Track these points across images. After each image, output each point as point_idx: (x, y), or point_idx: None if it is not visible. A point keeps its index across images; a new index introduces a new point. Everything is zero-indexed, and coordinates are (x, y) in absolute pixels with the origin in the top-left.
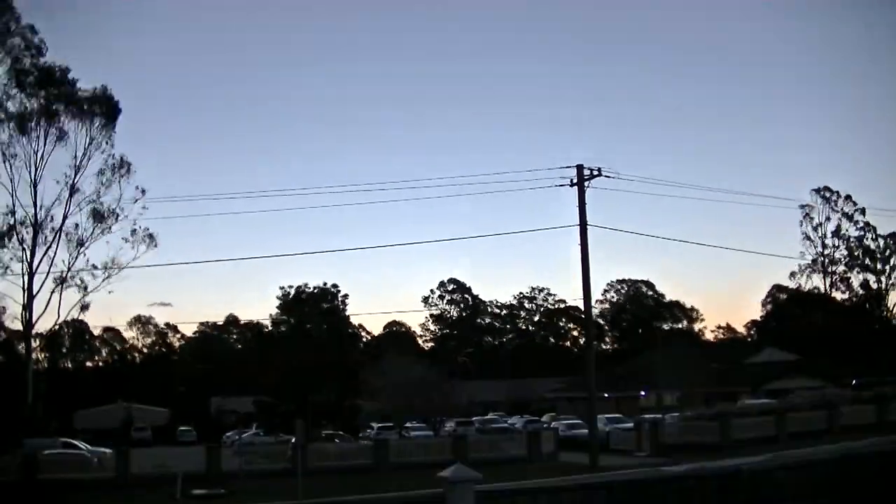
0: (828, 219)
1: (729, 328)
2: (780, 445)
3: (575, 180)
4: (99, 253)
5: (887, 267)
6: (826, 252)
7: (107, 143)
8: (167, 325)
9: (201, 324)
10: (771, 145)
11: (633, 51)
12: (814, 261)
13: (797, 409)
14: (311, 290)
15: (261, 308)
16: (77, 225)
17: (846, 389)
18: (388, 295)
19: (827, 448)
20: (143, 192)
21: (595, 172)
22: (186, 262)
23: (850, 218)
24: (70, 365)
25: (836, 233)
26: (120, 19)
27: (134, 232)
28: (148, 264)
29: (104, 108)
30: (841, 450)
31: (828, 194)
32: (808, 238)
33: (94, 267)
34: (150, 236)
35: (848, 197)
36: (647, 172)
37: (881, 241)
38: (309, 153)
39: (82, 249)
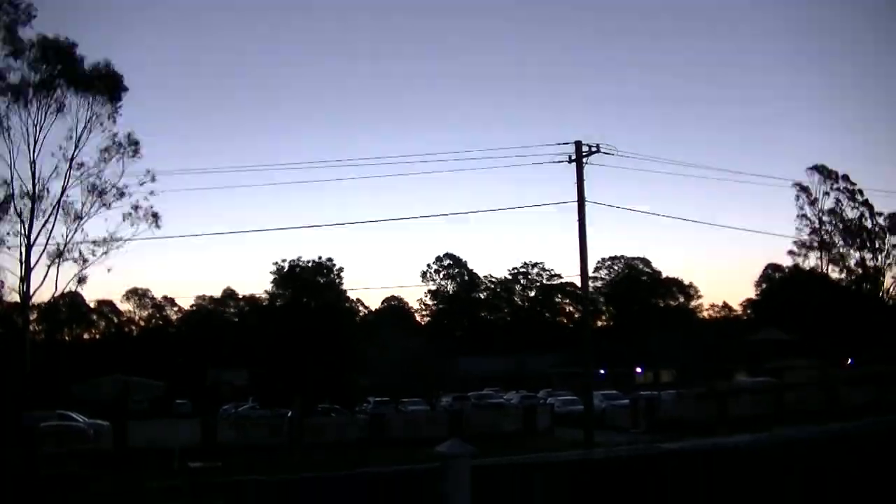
0: (826, 194)
1: (726, 306)
2: (777, 423)
3: (573, 156)
4: (98, 228)
5: (886, 246)
6: (823, 230)
7: (110, 119)
8: (164, 297)
9: (198, 297)
10: (773, 123)
11: (631, 30)
12: (810, 238)
13: (794, 387)
14: (307, 263)
15: (258, 282)
16: (75, 200)
17: (843, 368)
18: (387, 270)
19: (825, 427)
20: (154, 178)
21: (593, 149)
22: (184, 236)
23: (850, 196)
24: (67, 337)
25: (833, 211)
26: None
27: (136, 208)
28: (145, 237)
29: (108, 85)
30: (840, 429)
31: (825, 172)
32: (805, 216)
33: (94, 242)
34: (155, 215)
35: (845, 177)
36: (646, 151)
37: (880, 220)
38: (306, 128)
39: (81, 223)
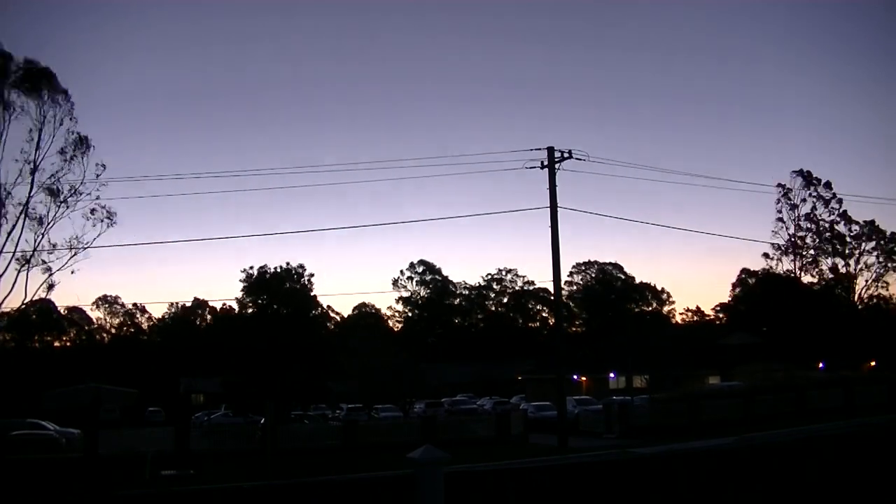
0: (804, 200)
1: (699, 311)
2: (748, 428)
3: (546, 162)
4: (65, 232)
5: (857, 252)
6: (799, 235)
7: (72, 120)
8: (135, 305)
9: (170, 304)
10: (747, 130)
11: (607, 37)
12: (786, 243)
13: (765, 391)
14: (275, 269)
15: (230, 288)
16: (39, 204)
17: (814, 373)
18: (359, 276)
19: (792, 431)
20: (104, 166)
21: (566, 154)
22: (153, 243)
23: (826, 203)
24: (37, 345)
25: (810, 216)
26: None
27: (94, 211)
28: (115, 244)
29: (48, 83)
30: (805, 433)
31: (808, 177)
32: (782, 220)
33: (58, 246)
34: (110, 214)
35: (828, 184)
36: (619, 157)
37: (854, 227)
38: (277, 134)
39: (46, 228)
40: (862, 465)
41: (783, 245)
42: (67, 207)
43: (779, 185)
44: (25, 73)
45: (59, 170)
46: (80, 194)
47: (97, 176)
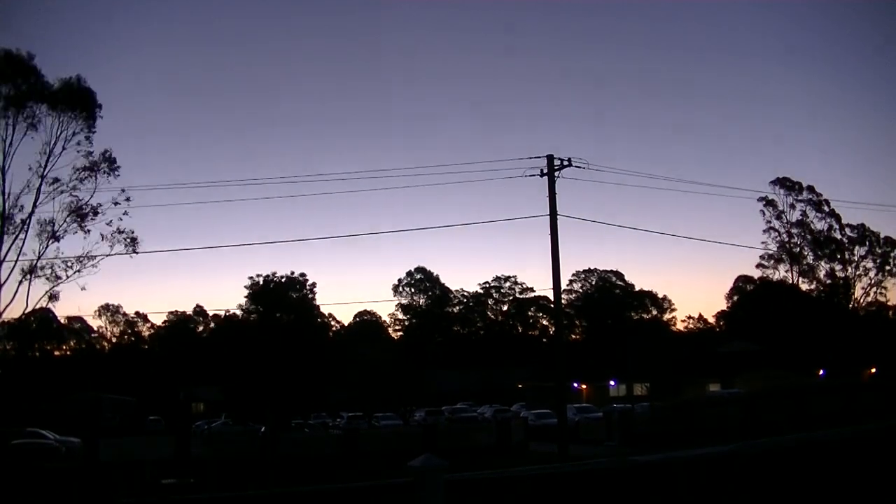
0: (792, 206)
1: (700, 318)
2: (749, 435)
3: (545, 170)
4: (72, 244)
5: (853, 257)
6: (792, 241)
7: (87, 139)
8: (137, 313)
9: (171, 313)
10: (743, 136)
11: (602, 49)
12: (778, 251)
13: (765, 398)
14: (280, 278)
15: (232, 297)
16: (48, 217)
17: (814, 380)
18: (359, 285)
19: (793, 437)
20: (129, 198)
21: (565, 163)
22: (157, 251)
23: (816, 206)
24: (38, 354)
25: (801, 223)
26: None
27: (120, 231)
28: (118, 253)
29: (81, 101)
30: (805, 439)
31: (789, 184)
32: (773, 229)
33: (67, 261)
34: (133, 240)
35: (810, 188)
36: (619, 166)
37: (848, 231)
38: (279, 144)
39: (53, 241)
40: (862, 470)
41: (774, 254)
42: (83, 229)
43: (760, 198)
44: (62, 89)
45: (70, 183)
46: (97, 214)
47: (115, 203)
